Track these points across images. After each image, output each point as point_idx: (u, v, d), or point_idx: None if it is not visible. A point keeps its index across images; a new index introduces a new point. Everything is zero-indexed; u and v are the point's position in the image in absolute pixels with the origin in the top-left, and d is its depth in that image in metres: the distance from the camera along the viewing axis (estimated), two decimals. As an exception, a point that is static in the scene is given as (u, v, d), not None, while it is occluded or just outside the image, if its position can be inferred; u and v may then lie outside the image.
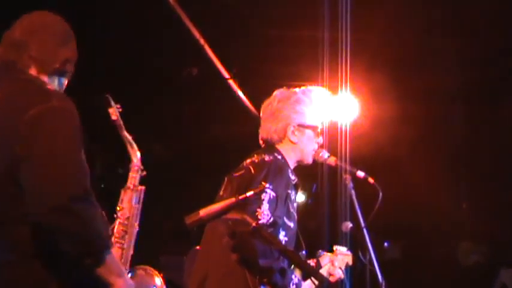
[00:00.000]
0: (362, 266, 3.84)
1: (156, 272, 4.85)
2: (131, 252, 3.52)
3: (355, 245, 3.86)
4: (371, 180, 3.78)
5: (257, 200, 3.15)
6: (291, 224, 3.38)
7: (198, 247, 4.04)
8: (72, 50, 2.64)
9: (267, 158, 3.39)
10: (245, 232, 2.68)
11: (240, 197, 2.67)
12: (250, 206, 3.10)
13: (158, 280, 4.79)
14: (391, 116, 8.12)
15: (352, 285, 4.09)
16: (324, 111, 3.65)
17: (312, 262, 3.66)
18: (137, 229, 3.55)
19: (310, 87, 3.65)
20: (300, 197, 8.32)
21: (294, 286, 3.28)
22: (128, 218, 3.51)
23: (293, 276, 3.28)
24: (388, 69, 7.64)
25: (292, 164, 3.54)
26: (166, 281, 5.03)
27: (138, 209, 3.57)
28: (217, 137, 9.25)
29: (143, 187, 3.60)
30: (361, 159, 4.92)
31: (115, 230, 3.49)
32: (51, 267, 2.35)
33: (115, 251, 3.39)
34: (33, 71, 2.55)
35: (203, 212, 2.61)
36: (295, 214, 3.45)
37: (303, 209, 7.83)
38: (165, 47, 7.38)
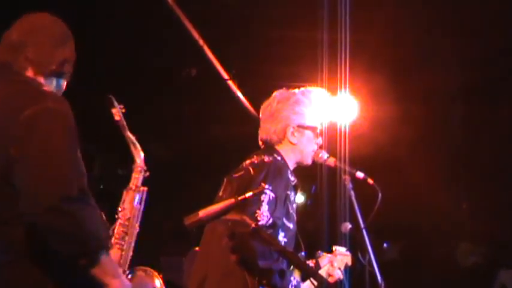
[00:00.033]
0: (361, 267, 3.84)
1: (156, 273, 4.85)
2: (131, 253, 3.51)
3: (355, 245, 3.86)
4: (370, 181, 3.78)
5: (256, 202, 3.15)
6: (291, 225, 3.39)
7: (197, 248, 4.04)
8: (70, 51, 2.65)
9: (266, 159, 3.39)
10: (244, 233, 2.68)
11: (240, 198, 2.67)
12: (249, 207, 3.10)
13: (158, 282, 4.79)
14: (391, 116, 8.11)
15: (351, 286, 4.09)
16: (323, 112, 3.65)
17: (311, 263, 3.67)
18: (138, 230, 3.55)
19: (309, 88, 3.65)
20: (299, 198, 8.31)
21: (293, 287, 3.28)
22: (128, 219, 3.50)
23: (292, 278, 3.28)
24: (387, 69, 7.64)
25: (291, 165, 3.54)
26: (166, 281, 5.03)
27: (139, 210, 3.56)
28: (217, 137, 9.25)
29: (145, 188, 3.59)
30: (361, 160, 4.92)
31: (115, 231, 3.49)
32: (46, 268, 2.35)
33: (114, 252, 3.39)
34: (29, 73, 2.56)
35: (202, 212, 2.61)
36: (295, 215, 3.45)
37: (302, 210, 7.83)
38: (164, 47, 7.38)
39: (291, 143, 3.53)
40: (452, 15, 6.89)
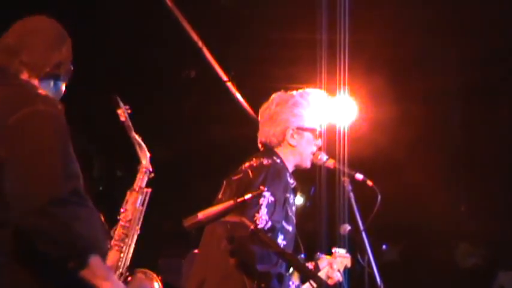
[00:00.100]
0: (360, 269, 3.83)
1: (156, 276, 4.84)
2: (130, 255, 3.51)
3: (354, 247, 3.85)
4: (369, 182, 3.78)
5: (255, 205, 3.15)
6: (290, 228, 3.38)
7: (196, 250, 4.03)
8: (66, 52, 2.65)
9: (265, 161, 3.39)
10: (243, 237, 2.68)
11: (238, 200, 2.67)
12: (248, 210, 3.09)
13: (157, 285, 4.78)
14: (390, 117, 8.10)
15: (350, 288, 4.09)
16: (322, 113, 3.65)
17: (310, 265, 3.66)
18: (138, 232, 3.54)
19: (307, 90, 3.65)
20: (299, 200, 8.31)
21: None
22: (129, 221, 3.50)
23: (290, 283, 3.28)
24: (386, 70, 7.64)
25: (290, 168, 3.53)
26: (165, 284, 5.02)
27: (141, 212, 3.55)
28: (216, 139, 9.24)
29: (149, 189, 3.58)
30: (360, 161, 4.91)
31: (115, 233, 3.48)
32: (36, 271, 2.35)
33: (113, 254, 3.39)
34: (24, 76, 2.57)
35: (201, 214, 2.61)
36: (294, 218, 3.45)
37: (301, 212, 7.83)
38: (163, 49, 7.37)
39: (291, 145, 3.52)
40: (452, 15, 6.89)
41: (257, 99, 3.86)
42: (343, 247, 3.83)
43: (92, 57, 6.06)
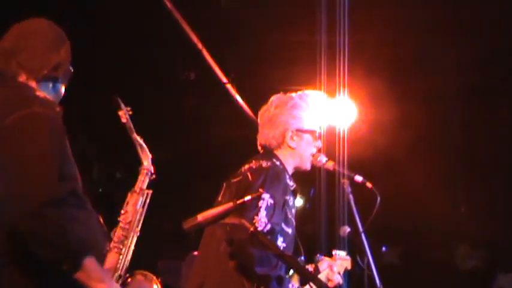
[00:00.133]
0: (360, 271, 3.83)
1: (155, 278, 4.83)
2: (129, 257, 3.50)
3: (353, 249, 3.85)
4: (369, 184, 3.78)
5: (254, 207, 3.15)
6: (289, 230, 3.38)
7: (196, 252, 4.03)
8: (65, 54, 2.64)
9: (264, 164, 3.38)
10: (243, 239, 2.68)
11: (238, 202, 2.66)
12: (248, 212, 3.09)
13: (156, 287, 4.77)
14: (389, 119, 8.10)
15: (350, 290, 4.09)
16: (321, 115, 3.64)
17: (310, 267, 3.66)
18: (138, 234, 3.53)
19: (306, 92, 3.65)
20: (298, 202, 8.31)
21: None
22: (129, 223, 3.49)
23: (290, 285, 3.27)
24: (386, 71, 7.63)
25: (290, 170, 3.53)
26: (164, 286, 5.01)
27: (141, 214, 3.54)
28: (216, 140, 9.24)
29: (150, 191, 3.58)
30: (359, 163, 4.90)
31: (115, 234, 3.47)
32: (31, 272, 2.35)
33: (112, 256, 3.38)
34: (22, 78, 2.57)
35: (201, 216, 2.60)
36: (293, 220, 3.44)
37: (300, 214, 7.82)
38: (163, 51, 7.37)
39: (290, 147, 3.52)
40: (452, 15, 6.88)
41: (257, 100, 3.86)
42: (343, 249, 3.83)
43: (93, 58, 6.07)
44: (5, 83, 2.54)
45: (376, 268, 3.76)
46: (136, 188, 3.56)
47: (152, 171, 3.59)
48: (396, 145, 8.32)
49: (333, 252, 3.77)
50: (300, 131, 3.53)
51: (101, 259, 2.50)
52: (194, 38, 7.18)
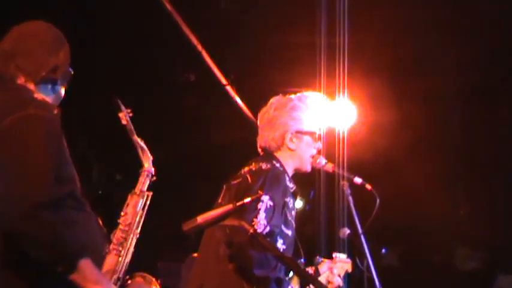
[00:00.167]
0: (360, 273, 3.83)
1: (154, 280, 4.83)
2: (129, 259, 3.49)
3: (353, 251, 3.84)
4: (368, 186, 3.77)
5: (254, 209, 3.14)
6: (289, 232, 3.37)
7: (195, 254, 4.03)
8: (64, 57, 2.64)
9: (264, 166, 3.38)
10: (242, 242, 2.67)
11: (238, 204, 2.66)
12: (247, 214, 3.09)
13: (155, 289, 4.78)
14: (389, 121, 8.09)
15: (349, 292, 4.08)
16: (321, 117, 3.64)
17: (310, 270, 3.65)
18: (137, 236, 3.53)
19: (305, 93, 3.65)
20: (298, 204, 8.30)
21: None
22: (129, 224, 3.48)
23: (289, 287, 3.27)
24: (385, 73, 7.63)
25: (290, 172, 3.53)
26: (164, 287, 5.01)
27: (141, 216, 3.54)
28: (216, 142, 9.24)
29: (150, 193, 3.57)
30: (359, 165, 4.90)
31: (115, 236, 3.47)
32: (26, 274, 2.35)
33: (111, 258, 3.38)
34: (21, 80, 2.57)
35: (201, 218, 2.60)
36: (293, 222, 3.44)
37: (300, 216, 7.80)
38: (163, 52, 7.37)
39: (290, 149, 3.52)
40: (452, 15, 6.88)
41: (257, 102, 3.86)
42: (343, 251, 3.82)
43: (93, 60, 6.07)
44: (3, 86, 2.54)
45: (375, 270, 3.75)
46: (137, 189, 3.55)
47: (153, 173, 3.59)
48: (396, 146, 8.31)
49: (334, 255, 3.76)
50: (299, 133, 3.53)
51: (100, 261, 2.50)
52: (194, 39, 7.18)
